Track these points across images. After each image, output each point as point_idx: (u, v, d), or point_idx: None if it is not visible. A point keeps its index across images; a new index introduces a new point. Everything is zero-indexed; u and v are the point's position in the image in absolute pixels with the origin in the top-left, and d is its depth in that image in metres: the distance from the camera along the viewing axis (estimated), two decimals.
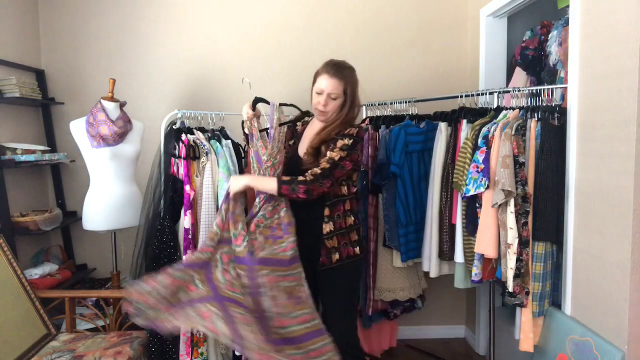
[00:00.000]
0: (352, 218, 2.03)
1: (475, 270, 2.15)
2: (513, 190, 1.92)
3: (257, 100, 2.14)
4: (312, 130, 2.08)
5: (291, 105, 2.24)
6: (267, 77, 3.21)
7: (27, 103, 2.93)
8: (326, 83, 1.95)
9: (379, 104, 2.94)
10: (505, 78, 3.04)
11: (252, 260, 1.83)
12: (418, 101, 2.75)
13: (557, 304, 2.08)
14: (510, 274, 1.97)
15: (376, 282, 2.65)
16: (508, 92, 2.30)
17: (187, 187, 2.21)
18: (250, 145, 2.15)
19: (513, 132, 1.99)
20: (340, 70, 1.97)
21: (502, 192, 1.94)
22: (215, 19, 3.22)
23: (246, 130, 2.17)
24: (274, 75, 3.21)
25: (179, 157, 2.26)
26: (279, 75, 3.21)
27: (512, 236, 1.97)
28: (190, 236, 2.19)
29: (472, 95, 2.44)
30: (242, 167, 2.55)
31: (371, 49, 3.26)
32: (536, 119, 2.04)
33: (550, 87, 2.10)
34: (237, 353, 2.36)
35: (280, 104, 2.16)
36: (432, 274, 2.51)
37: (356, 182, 2.07)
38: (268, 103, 2.13)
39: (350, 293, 2.09)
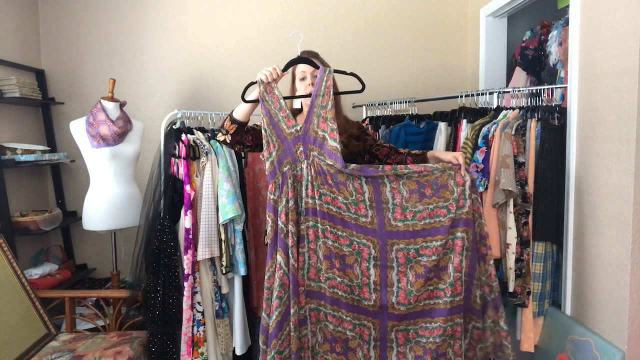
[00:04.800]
0: None
1: None
2: (514, 190, 1.92)
3: (299, 60, 1.84)
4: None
5: (351, 74, 1.86)
6: None
7: (27, 103, 2.93)
8: None
9: (379, 104, 2.94)
10: (505, 78, 3.04)
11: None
12: (418, 101, 2.75)
13: (557, 304, 2.08)
14: (510, 274, 1.98)
15: None
16: (508, 92, 2.30)
17: (187, 187, 2.21)
18: (264, 118, 1.80)
19: (513, 132, 1.99)
20: None
21: (502, 192, 1.94)
22: (215, 19, 3.22)
23: (254, 96, 1.81)
24: None
25: (179, 157, 2.26)
26: None
27: (511, 236, 1.97)
28: (190, 236, 2.19)
29: (472, 95, 2.44)
30: (242, 167, 2.55)
31: (372, 49, 3.26)
32: (536, 119, 2.04)
33: (550, 87, 2.10)
34: (237, 353, 2.36)
35: (336, 71, 1.83)
36: None
37: None
38: (315, 65, 1.86)
39: None
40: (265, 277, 1.82)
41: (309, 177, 1.79)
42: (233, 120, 1.86)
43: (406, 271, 1.78)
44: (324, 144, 1.78)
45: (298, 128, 1.81)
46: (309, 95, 1.84)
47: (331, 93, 1.79)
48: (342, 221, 1.79)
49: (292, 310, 1.76)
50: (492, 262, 1.77)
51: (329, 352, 1.83)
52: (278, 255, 1.77)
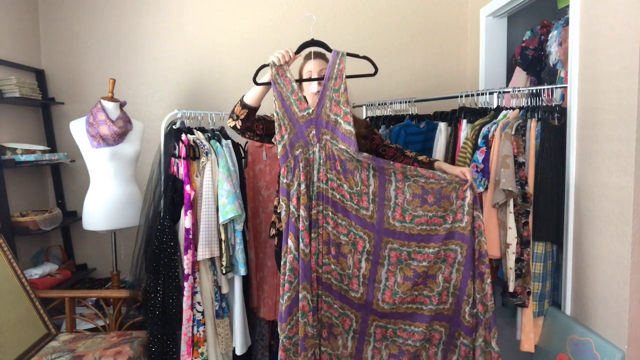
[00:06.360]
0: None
1: None
2: (514, 190, 1.92)
3: (312, 43, 1.83)
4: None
5: (364, 57, 1.85)
6: None
7: (27, 103, 2.92)
8: None
9: (379, 104, 2.94)
10: (505, 78, 3.04)
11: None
12: (418, 101, 2.74)
13: (557, 304, 2.08)
14: (510, 274, 1.98)
15: None
16: (508, 92, 2.30)
17: (187, 187, 2.21)
18: (275, 102, 1.78)
19: (513, 132, 1.99)
20: None
21: (502, 192, 1.94)
22: (215, 19, 3.22)
23: (266, 79, 1.80)
24: None
25: (179, 157, 2.26)
26: None
27: (511, 236, 1.97)
28: (190, 236, 2.19)
29: (472, 95, 2.44)
30: (242, 167, 2.55)
31: (372, 49, 3.25)
32: (536, 119, 2.04)
33: (550, 87, 2.10)
34: (237, 353, 2.36)
35: (349, 54, 1.82)
36: None
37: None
38: (328, 49, 1.84)
39: None
40: (282, 263, 1.82)
41: (321, 161, 1.79)
42: (244, 105, 1.84)
43: (395, 271, 1.79)
44: (336, 127, 1.77)
45: (310, 111, 1.80)
46: (321, 78, 1.83)
47: (344, 76, 1.78)
48: (343, 210, 1.80)
49: (300, 295, 1.76)
50: (489, 281, 1.78)
51: (319, 336, 1.85)
52: (289, 239, 1.77)
